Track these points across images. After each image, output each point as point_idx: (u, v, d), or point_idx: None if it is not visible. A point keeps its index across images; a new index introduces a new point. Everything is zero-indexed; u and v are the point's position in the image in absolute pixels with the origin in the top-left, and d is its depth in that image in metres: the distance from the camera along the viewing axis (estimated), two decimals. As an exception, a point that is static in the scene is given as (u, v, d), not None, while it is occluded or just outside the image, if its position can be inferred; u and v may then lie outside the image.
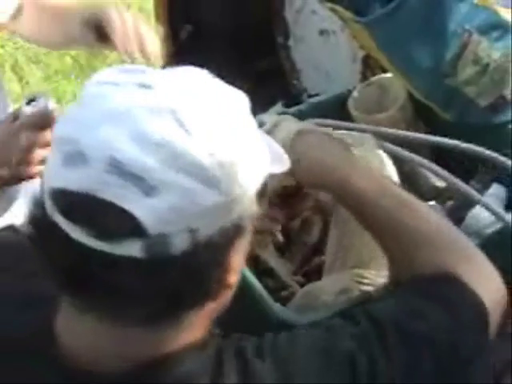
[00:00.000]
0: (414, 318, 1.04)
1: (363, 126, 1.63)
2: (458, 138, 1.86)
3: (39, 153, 1.42)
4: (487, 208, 1.58)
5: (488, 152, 1.59)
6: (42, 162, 1.41)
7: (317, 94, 2.22)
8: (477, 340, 1.07)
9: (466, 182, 1.78)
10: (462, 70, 1.72)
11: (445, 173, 1.61)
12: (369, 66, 2.17)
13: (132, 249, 0.86)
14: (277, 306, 1.35)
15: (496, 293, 1.12)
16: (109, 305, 0.91)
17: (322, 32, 2.37)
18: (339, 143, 1.37)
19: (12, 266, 1.08)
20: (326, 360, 0.98)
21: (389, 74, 1.94)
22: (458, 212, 1.72)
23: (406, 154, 1.60)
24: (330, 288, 1.42)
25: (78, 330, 0.96)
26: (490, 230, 1.56)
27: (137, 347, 0.94)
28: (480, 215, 1.67)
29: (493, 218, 1.60)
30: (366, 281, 1.43)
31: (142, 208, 0.84)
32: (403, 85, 1.88)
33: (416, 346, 1.01)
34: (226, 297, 0.99)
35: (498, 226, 1.55)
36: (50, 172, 0.90)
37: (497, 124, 1.82)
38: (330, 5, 1.71)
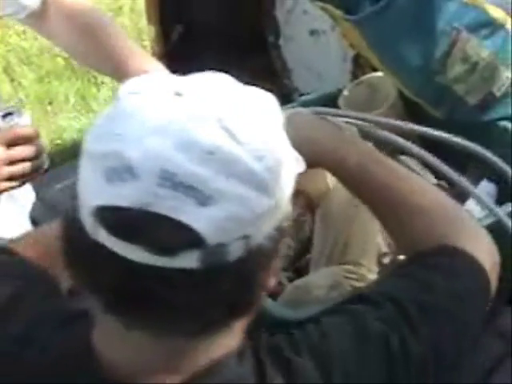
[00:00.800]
0: (428, 292, 1.05)
1: (363, 115, 1.61)
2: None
3: (7, 169, 1.38)
4: (479, 201, 1.58)
5: (489, 155, 1.59)
6: (11, 179, 1.39)
7: (308, 93, 2.23)
8: (482, 304, 1.10)
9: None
10: (451, 68, 1.73)
11: (440, 163, 1.61)
12: (359, 65, 2.19)
13: (189, 260, 0.84)
14: (269, 301, 1.36)
15: (493, 260, 1.14)
16: (161, 320, 0.88)
17: (313, 32, 2.39)
18: (327, 122, 1.39)
19: (25, 291, 1.05)
20: (360, 345, 0.99)
21: (379, 73, 1.95)
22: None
23: (401, 141, 1.59)
24: (321, 283, 1.44)
25: (122, 346, 0.93)
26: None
27: (187, 359, 0.93)
28: (471, 210, 1.68)
29: (484, 213, 1.60)
30: (356, 276, 1.45)
31: (199, 219, 0.82)
32: (393, 83, 1.89)
33: (435, 319, 1.03)
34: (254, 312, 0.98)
35: (489, 220, 1.55)
36: (89, 190, 0.86)
37: (486, 121, 1.84)
38: (320, 4, 1.72)
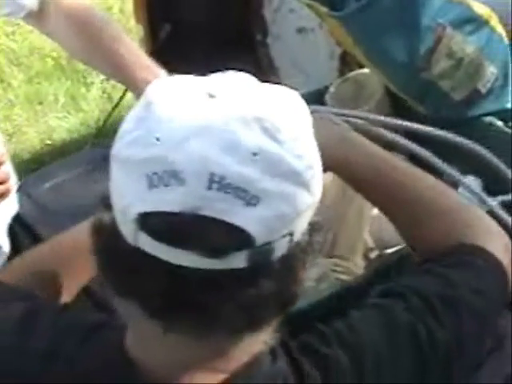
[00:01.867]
0: (451, 288, 1.06)
1: (355, 113, 1.61)
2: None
3: None
4: (469, 190, 1.59)
5: (489, 155, 1.60)
6: None
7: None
8: (501, 301, 1.12)
9: (438, 173, 1.81)
10: (436, 64, 1.74)
11: (430, 155, 1.63)
12: (346, 63, 2.20)
13: (237, 261, 0.84)
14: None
15: (509, 257, 1.14)
16: (204, 322, 0.88)
17: (300, 30, 2.40)
18: (333, 123, 1.38)
19: (37, 308, 1.03)
20: (389, 334, 1.00)
21: (365, 70, 1.97)
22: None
23: (394, 137, 1.60)
24: (309, 275, 1.44)
25: (160, 349, 0.92)
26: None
27: (227, 357, 0.92)
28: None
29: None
30: (342, 269, 1.46)
31: (248, 219, 0.82)
32: (380, 80, 1.91)
33: (458, 312, 1.04)
34: None
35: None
36: (129, 197, 0.85)
37: (471, 117, 1.85)
38: (306, 1, 1.73)
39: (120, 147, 0.87)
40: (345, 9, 1.68)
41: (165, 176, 0.82)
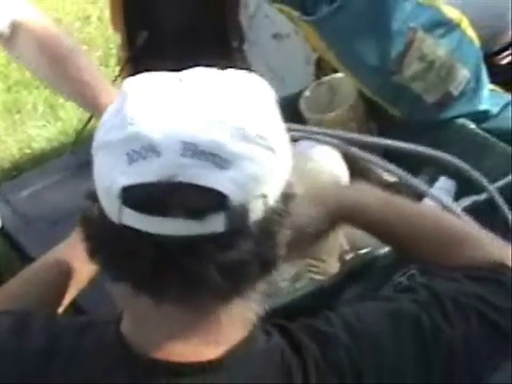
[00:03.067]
0: (468, 296, 1.06)
1: (323, 130, 1.64)
2: (408, 135, 1.92)
3: None
4: (435, 200, 1.61)
5: (467, 168, 1.63)
6: None
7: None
8: None
9: (415, 175, 1.83)
10: (407, 67, 1.77)
11: (394, 168, 1.66)
12: (321, 68, 2.22)
13: (216, 224, 0.88)
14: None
15: None
16: (191, 287, 0.92)
17: (276, 36, 2.41)
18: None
19: (29, 315, 1.07)
20: (393, 322, 1.02)
21: (340, 75, 1.98)
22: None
23: (359, 152, 1.62)
24: (284, 275, 1.46)
25: (155, 324, 0.96)
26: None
27: (222, 328, 0.96)
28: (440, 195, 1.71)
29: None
30: (317, 270, 1.47)
31: (221, 181, 0.87)
32: (353, 84, 1.93)
33: (469, 317, 1.04)
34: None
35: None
36: (112, 176, 0.90)
37: (444, 120, 1.87)
38: (277, 5, 1.75)
39: (100, 136, 0.93)
40: (317, 13, 1.70)
41: (142, 151, 0.88)
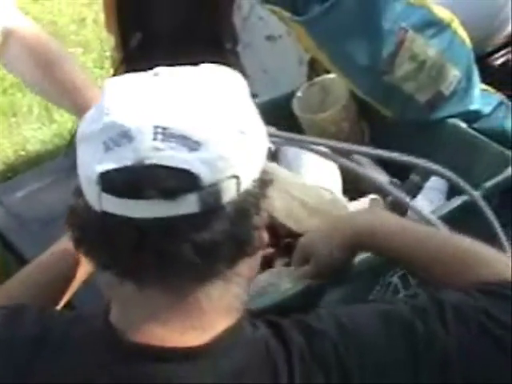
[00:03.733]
0: (473, 307, 1.06)
1: (313, 139, 1.64)
2: (400, 135, 1.93)
3: None
4: (416, 212, 1.60)
5: (443, 170, 1.63)
6: None
7: (265, 98, 2.26)
8: None
9: (407, 175, 1.84)
10: (398, 67, 1.77)
11: (378, 179, 1.70)
12: (314, 69, 2.22)
13: (189, 204, 0.91)
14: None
15: None
16: (171, 269, 0.95)
17: (269, 37, 2.42)
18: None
19: (22, 308, 1.10)
20: (386, 324, 1.03)
21: (332, 75, 1.99)
22: (399, 205, 1.77)
23: (347, 163, 1.63)
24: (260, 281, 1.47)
25: (141, 311, 0.99)
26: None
27: (206, 313, 0.98)
28: (420, 206, 1.71)
29: (431, 207, 1.64)
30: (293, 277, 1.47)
31: (192, 162, 0.91)
32: (346, 85, 1.93)
33: (470, 328, 1.04)
34: (259, 259, 1.06)
35: (437, 215, 1.59)
36: (91, 165, 0.93)
37: (435, 120, 1.88)
38: (269, 6, 1.76)
39: (80, 130, 0.97)
40: (308, 13, 1.70)
41: (117, 138, 0.92)
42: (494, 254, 1.20)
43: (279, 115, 1.93)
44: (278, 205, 1.47)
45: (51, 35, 3.14)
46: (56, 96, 1.67)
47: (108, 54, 3.60)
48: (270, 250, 1.64)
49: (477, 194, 1.55)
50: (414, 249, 1.24)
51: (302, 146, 1.65)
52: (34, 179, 2.13)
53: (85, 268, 1.30)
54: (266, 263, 1.57)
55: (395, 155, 1.64)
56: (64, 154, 2.68)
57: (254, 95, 2.57)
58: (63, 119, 3.52)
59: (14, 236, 1.93)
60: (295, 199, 1.54)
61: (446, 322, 1.03)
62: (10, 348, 1.03)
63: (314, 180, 1.61)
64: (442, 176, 1.66)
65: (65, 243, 1.29)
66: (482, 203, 1.53)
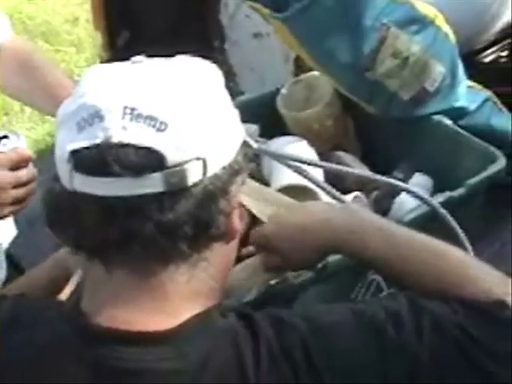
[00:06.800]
0: (453, 322, 1.04)
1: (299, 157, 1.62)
2: (384, 132, 1.93)
3: (12, 193, 1.36)
4: (413, 194, 1.59)
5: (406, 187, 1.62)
6: (15, 202, 1.37)
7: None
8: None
9: (389, 172, 1.83)
10: (381, 64, 1.75)
11: (368, 173, 1.68)
12: (300, 66, 2.21)
13: (154, 183, 0.94)
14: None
15: None
16: (136, 249, 0.96)
17: (256, 35, 2.41)
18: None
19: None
20: (358, 326, 1.03)
21: (317, 72, 1.98)
22: (383, 202, 1.76)
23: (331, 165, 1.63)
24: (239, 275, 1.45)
25: (109, 293, 1.00)
26: (412, 216, 1.59)
27: (174, 297, 1.00)
28: (404, 203, 1.71)
29: (414, 204, 1.63)
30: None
31: (158, 141, 0.94)
32: (330, 82, 1.92)
33: (445, 342, 1.02)
34: (232, 250, 1.09)
35: (420, 211, 1.58)
36: (64, 145, 0.96)
37: (420, 116, 1.87)
38: (250, 3, 1.75)
39: (58, 114, 1.00)
40: (288, 10, 1.69)
41: (89, 118, 0.95)
42: (488, 270, 1.16)
43: (264, 112, 1.94)
44: (253, 206, 1.46)
45: (44, 35, 3.20)
46: (42, 101, 1.64)
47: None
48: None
49: (437, 204, 1.52)
50: (400, 262, 1.19)
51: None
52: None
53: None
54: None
55: (358, 171, 1.69)
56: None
57: (241, 93, 2.59)
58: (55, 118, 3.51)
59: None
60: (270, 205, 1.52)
61: (421, 330, 1.02)
62: None
63: (294, 177, 1.60)
64: (401, 190, 1.65)
65: (61, 254, 1.34)
66: (443, 211, 1.50)
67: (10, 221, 1.82)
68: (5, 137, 1.44)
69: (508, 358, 1.03)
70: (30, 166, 1.40)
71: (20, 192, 1.37)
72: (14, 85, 1.68)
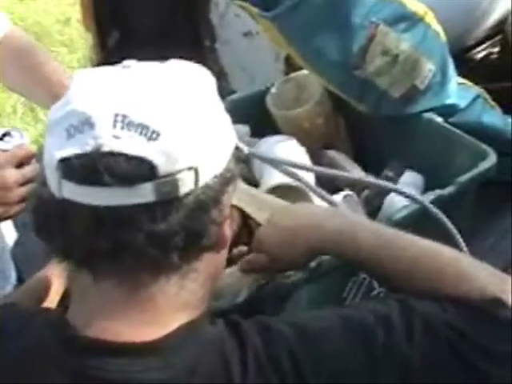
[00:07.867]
0: (445, 321, 1.04)
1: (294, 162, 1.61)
2: (376, 130, 1.92)
3: (18, 191, 1.35)
4: (403, 195, 1.58)
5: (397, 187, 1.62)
6: (22, 200, 1.35)
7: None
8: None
9: (380, 170, 1.83)
10: (370, 62, 1.75)
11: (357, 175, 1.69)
12: (291, 65, 2.21)
13: (145, 193, 0.92)
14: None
15: None
16: (126, 260, 0.95)
17: (247, 34, 2.41)
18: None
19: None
20: (346, 331, 1.02)
21: (307, 71, 1.97)
22: (374, 201, 1.76)
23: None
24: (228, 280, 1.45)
25: (97, 304, 0.99)
26: (403, 213, 1.59)
27: (162, 309, 0.99)
28: (395, 201, 1.70)
29: (405, 202, 1.62)
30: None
31: (150, 151, 0.92)
32: (320, 80, 1.91)
33: (436, 343, 1.02)
34: (222, 258, 1.07)
35: (411, 208, 1.58)
36: (53, 151, 0.94)
37: (411, 114, 1.86)
38: (238, 2, 1.74)
39: (47, 119, 0.99)
40: (276, 9, 1.69)
41: (79, 125, 0.93)
42: (485, 269, 1.15)
43: (254, 111, 1.93)
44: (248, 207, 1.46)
45: (36, 35, 3.21)
46: (41, 94, 1.63)
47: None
48: (244, 249, 1.62)
49: (428, 203, 1.52)
50: (383, 257, 1.19)
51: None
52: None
53: (56, 288, 1.30)
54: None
55: (347, 174, 1.69)
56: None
57: (232, 92, 2.59)
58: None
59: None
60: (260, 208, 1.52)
61: (412, 332, 1.02)
62: None
63: (285, 177, 1.59)
64: (391, 190, 1.65)
65: (49, 269, 1.33)
66: (434, 210, 1.50)
67: (9, 223, 1.82)
68: (7, 134, 1.42)
69: (506, 358, 1.03)
70: (33, 162, 1.38)
71: (25, 190, 1.35)
72: (12, 77, 1.68)
